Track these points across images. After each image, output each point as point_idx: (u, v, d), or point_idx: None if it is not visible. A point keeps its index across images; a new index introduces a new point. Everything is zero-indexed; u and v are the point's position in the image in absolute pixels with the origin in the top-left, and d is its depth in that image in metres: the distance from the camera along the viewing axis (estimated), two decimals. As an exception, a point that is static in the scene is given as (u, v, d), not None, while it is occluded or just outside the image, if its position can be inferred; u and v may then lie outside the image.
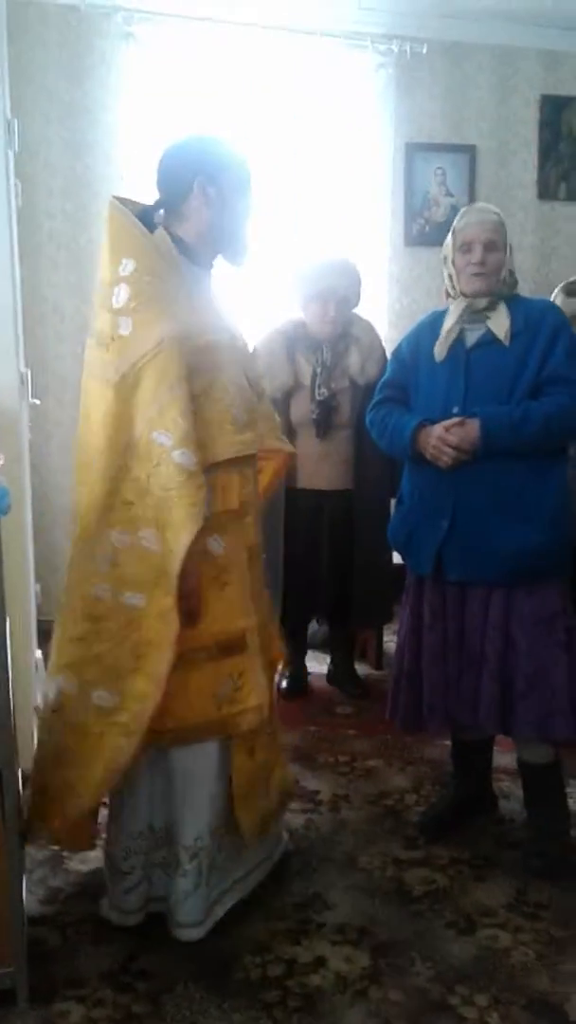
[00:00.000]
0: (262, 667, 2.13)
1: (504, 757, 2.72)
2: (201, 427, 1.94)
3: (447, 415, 2.30)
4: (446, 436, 2.27)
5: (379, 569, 3.46)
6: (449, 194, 4.64)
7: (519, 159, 4.79)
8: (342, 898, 2.27)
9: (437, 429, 2.29)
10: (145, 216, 2.03)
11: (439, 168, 4.63)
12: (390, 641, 4.09)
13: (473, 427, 2.25)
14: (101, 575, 1.96)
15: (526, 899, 2.27)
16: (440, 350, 2.35)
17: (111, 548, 1.95)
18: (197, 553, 1.93)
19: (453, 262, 2.36)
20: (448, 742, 2.70)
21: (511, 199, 4.71)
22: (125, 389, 1.90)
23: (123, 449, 1.92)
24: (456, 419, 2.27)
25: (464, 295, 2.34)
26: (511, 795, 2.73)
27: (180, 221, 2.04)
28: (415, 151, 4.60)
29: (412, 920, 2.19)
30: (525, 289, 2.53)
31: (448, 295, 2.42)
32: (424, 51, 4.40)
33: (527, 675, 2.31)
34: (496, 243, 2.32)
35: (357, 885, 2.33)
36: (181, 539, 1.88)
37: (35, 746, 2.13)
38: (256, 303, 4.10)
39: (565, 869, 2.38)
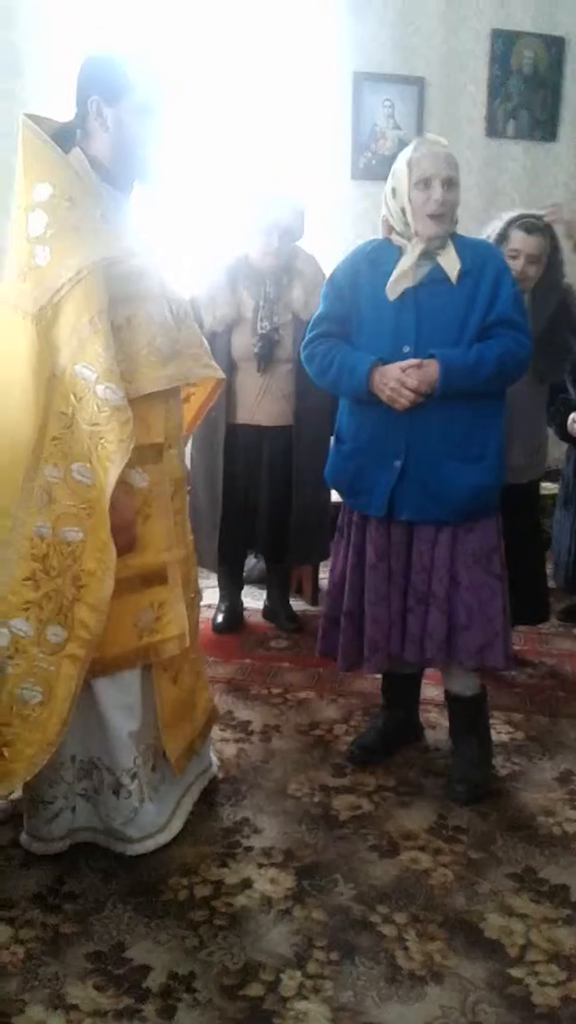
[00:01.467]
0: (184, 599, 2.14)
1: (432, 689, 2.79)
2: (123, 359, 1.91)
3: (397, 354, 2.29)
4: (405, 378, 2.25)
5: (317, 506, 3.48)
6: (397, 127, 4.57)
7: (468, 94, 4.71)
8: (270, 823, 2.33)
9: (394, 370, 2.26)
10: (62, 135, 1.94)
11: (387, 100, 4.54)
12: (326, 577, 4.12)
13: (433, 369, 2.24)
14: (40, 513, 1.93)
15: (446, 824, 2.35)
16: (393, 290, 2.30)
17: (46, 484, 1.92)
18: (121, 486, 1.93)
19: (409, 197, 2.27)
20: (379, 675, 2.76)
21: (459, 135, 4.65)
22: (44, 322, 1.85)
23: (47, 383, 1.88)
24: (414, 361, 2.25)
25: (418, 235, 2.28)
26: (437, 725, 2.81)
27: (90, 140, 1.97)
28: (364, 81, 4.50)
29: (337, 844, 2.26)
30: (471, 228, 2.50)
31: (392, 229, 2.36)
32: (376, -24, 4.28)
33: (468, 608, 2.37)
34: (454, 180, 2.28)
35: (285, 811, 2.39)
36: (110, 473, 1.87)
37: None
38: (198, 234, 4.02)
39: (486, 796, 2.47)
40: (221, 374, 2.34)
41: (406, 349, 2.29)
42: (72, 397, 1.87)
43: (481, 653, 2.40)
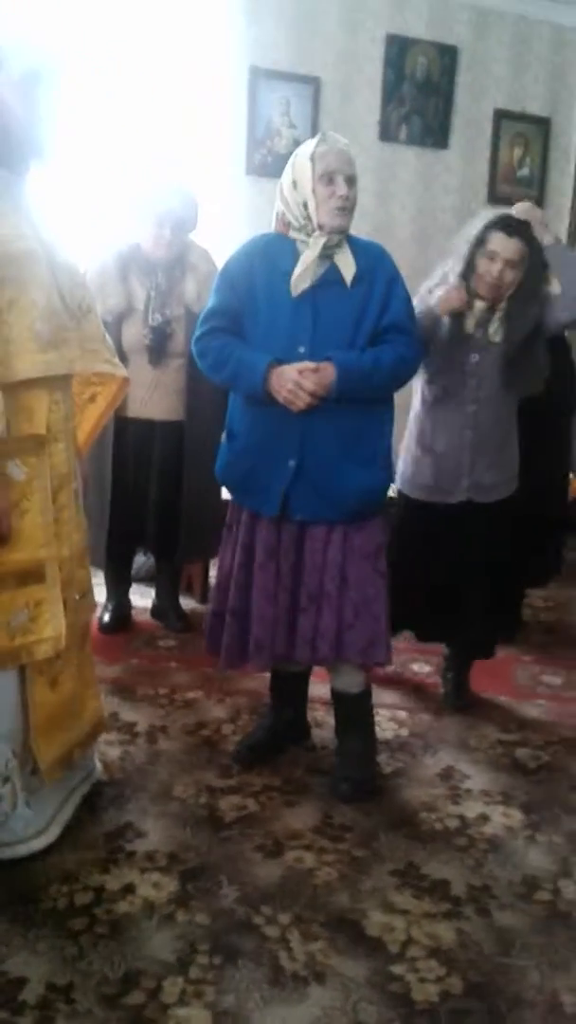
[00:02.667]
0: (64, 599, 2.07)
1: (319, 687, 2.80)
2: (1, 343, 1.84)
3: (292, 353, 2.28)
4: (302, 381, 2.24)
5: (208, 502, 3.44)
6: (292, 125, 4.57)
7: (362, 97, 4.76)
8: (154, 826, 2.29)
9: (291, 372, 2.25)
10: None
11: (283, 98, 4.54)
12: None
13: (329, 373, 2.24)
14: None
15: (332, 822, 2.36)
16: (297, 286, 2.28)
17: None
18: None
19: (313, 190, 2.25)
20: (267, 674, 2.75)
21: (352, 137, 4.63)
22: None
23: None
24: (311, 364, 2.25)
25: (321, 228, 2.26)
26: (324, 724, 2.82)
27: None
28: (260, 77, 4.49)
29: (222, 845, 2.24)
30: (363, 231, 2.51)
31: (288, 225, 2.32)
32: (273, -28, 4.28)
33: (355, 605, 2.39)
34: (355, 179, 2.29)
35: (170, 813, 2.35)
36: None
37: None
38: (92, 221, 3.92)
39: (370, 793, 2.49)
40: (123, 372, 2.30)
41: (301, 349, 2.28)
42: None
43: (367, 650, 2.42)
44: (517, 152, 5.14)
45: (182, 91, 4.28)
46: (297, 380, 2.24)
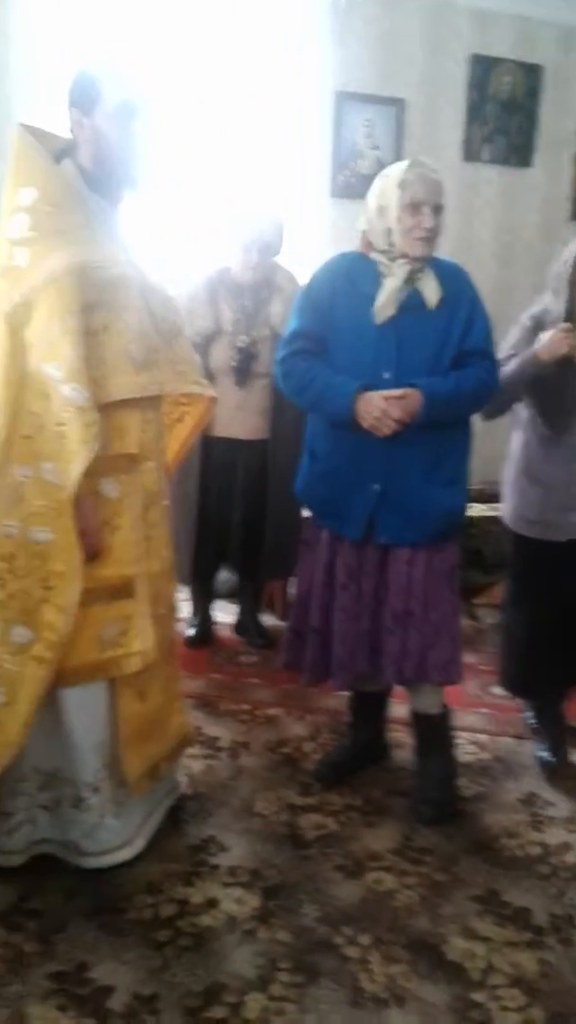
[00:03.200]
0: (152, 614, 2.12)
1: (399, 708, 2.80)
2: (96, 364, 1.91)
3: (377, 379, 2.29)
4: (389, 408, 2.26)
5: (291, 521, 3.47)
6: (376, 147, 4.60)
7: (446, 117, 4.76)
8: (236, 842, 2.33)
9: (378, 400, 2.26)
10: (62, 149, 1.99)
11: (367, 120, 4.58)
12: (296, 592, 4.14)
13: (415, 400, 2.26)
14: (8, 512, 1.93)
15: (412, 844, 2.37)
16: (381, 314, 2.30)
17: (15, 483, 1.93)
18: (90, 494, 1.93)
19: (398, 217, 2.26)
20: (346, 693, 2.76)
21: (436, 157, 4.61)
22: (16, 320, 1.87)
23: (18, 382, 1.89)
24: (397, 392, 2.26)
25: (406, 256, 2.29)
26: (404, 745, 2.81)
27: (78, 152, 2.00)
28: (345, 100, 4.54)
29: (303, 863, 2.26)
30: (444, 250, 2.51)
31: (370, 245, 2.34)
32: (359, -3, 4.32)
33: (436, 626, 2.40)
34: (441, 207, 2.30)
35: (251, 829, 2.39)
36: (71, 474, 1.87)
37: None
38: (181, 246, 4.02)
39: (450, 817, 2.48)
40: (211, 392, 2.34)
41: (386, 375, 2.30)
42: (42, 396, 1.88)
43: (447, 668, 2.44)
44: (603, 169, 5.07)
45: (268, 115, 4.35)
46: (384, 408, 2.26)
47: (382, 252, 2.33)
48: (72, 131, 2.00)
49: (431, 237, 2.28)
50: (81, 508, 1.92)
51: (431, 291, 2.31)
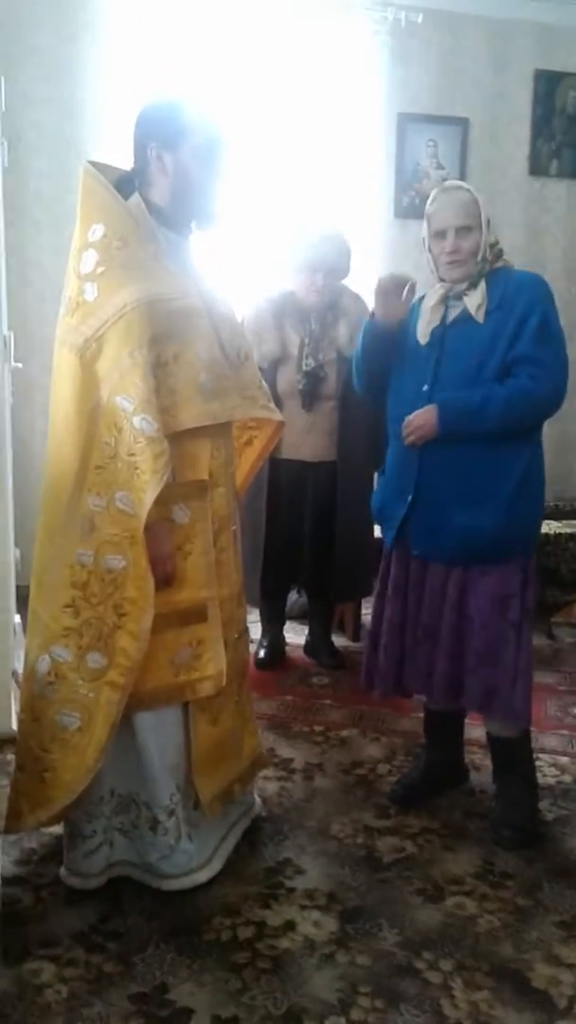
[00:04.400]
0: (224, 638, 2.13)
1: (477, 729, 2.76)
2: (167, 394, 1.94)
3: (418, 393, 2.34)
4: (410, 417, 2.33)
5: (360, 542, 3.48)
6: (440, 167, 4.61)
7: (511, 134, 4.74)
8: (313, 864, 2.31)
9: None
10: (124, 181, 2.02)
11: (431, 140, 4.59)
12: (368, 613, 4.11)
13: (431, 418, 2.29)
14: (82, 541, 1.97)
15: (492, 868, 2.31)
16: (423, 333, 2.37)
17: (88, 512, 1.97)
18: (161, 520, 1.96)
19: (429, 247, 2.37)
20: (421, 714, 2.73)
21: (502, 174, 4.68)
22: (89, 355, 1.91)
23: (91, 414, 1.94)
24: (406, 420, 2.34)
25: (442, 279, 2.36)
26: (482, 767, 2.76)
27: (150, 186, 2.04)
28: (407, 122, 4.56)
29: (381, 887, 2.23)
30: (515, 265, 2.49)
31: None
32: (419, 20, 4.34)
33: (478, 651, 2.36)
34: (470, 226, 2.30)
35: (328, 852, 2.37)
36: (144, 502, 1.90)
37: (17, 722, 2.15)
38: (247, 271, 4.07)
39: (532, 841, 2.42)
40: (279, 416, 2.38)
41: (425, 388, 2.35)
42: (114, 428, 1.92)
43: (487, 698, 2.38)
44: None
45: (332, 139, 4.39)
46: (408, 419, 2.34)
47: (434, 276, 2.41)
48: (142, 163, 2.03)
49: (460, 259, 2.31)
50: (153, 535, 1.95)
51: (475, 303, 2.32)
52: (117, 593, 1.96)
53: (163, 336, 1.94)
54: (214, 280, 2.19)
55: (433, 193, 2.39)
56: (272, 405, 2.35)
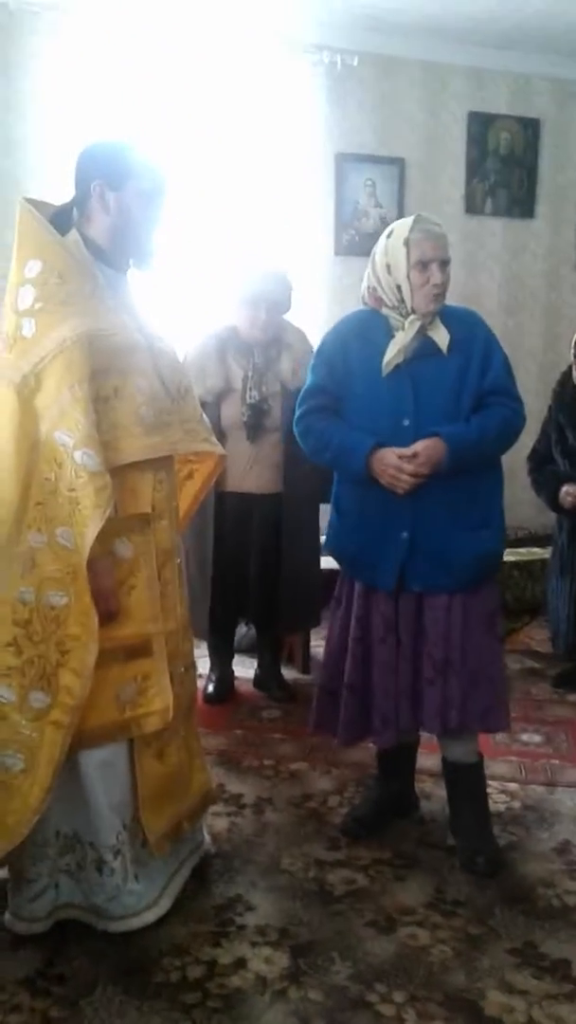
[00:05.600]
0: (170, 672, 2.11)
1: (426, 759, 2.76)
2: (108, 428, 1.94)
3: (397, 427, 2.31)
4: (404, 466, 2.27)
5: (307, 573, 3.49)
6: (379, 205, 4.71)
7: (447, 174, 4.88)
8: (263, 899, 2.28)
9: (391, 458, 2.28)
10: (60, 217, 2.03)
11: (369, 180, 4.70)
12: (317, 645, 4.10)
13: (439, 450, 2.26)
14: (23, 579, 1.94)
15: (444, 897, 2.30)
16: (389, 366, 2.32)
17: (29, 549, 1.94)
18: (105, 555, 1.94)
19: (407, 276, 2.29)
20: (371, 744, 2.72)
21: (439, 212, 4.74)
22: (27, 391, 1.90)
23: (30, 451, 1.92)
24: (408, 451, 2.27)
25: (415, 311, 2.31)
26: (432, 796, 2.77)
27: (88, 222, 2.05)
28: (346, 161, 4.66)
29: (333, 920, 2.21)
30: (451, 301, 2.54)
31: (380, 301, 2.36)
32: (355, 63, 4.46)
33: (473, 671, 2.38)
34: (447, 261, 2.33)
35: (279, 886, 2.34)
36: (86, 536, 1.88)
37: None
38: (189, 308, 4.10)
39: (501, 866, 2.42)
40: (220, 450, 2.37)
41: (405, 423, 2.31)
42: (54, 463, 1.90)
43: (486, 716, 2.41)
44: (605, 218, 5.16)
45: (272, 179, 4.47)
46: (397, 466, 2.27)
47: (392, 308, 2.35)
48: (82, 197, 2.04)
49: (442, 292, 2.31)
50: (96, 571, 1.93)
51: (441, 337, 2.32)
52: (60, 630, 1.94)
53: (103, 371, 1.94)
54: (153, 315, 2.19)
55: (409, 221, 2.32)
56: (213, 439, 2.35)
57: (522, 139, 4.92)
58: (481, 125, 4.84)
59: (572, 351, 3.47)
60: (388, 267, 2.32)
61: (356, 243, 4.65)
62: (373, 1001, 1.93)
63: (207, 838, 2.48)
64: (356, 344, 2.41)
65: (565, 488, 3.44)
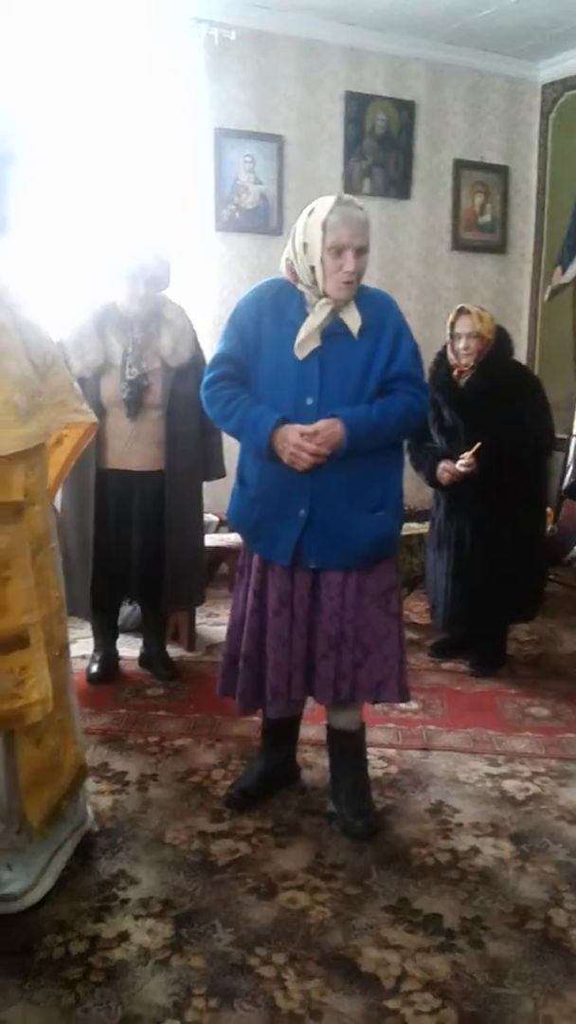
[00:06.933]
0: (48, 660, 2.08)
1: (308, 729, 2.82)
2: None
3: (300, 405, 2.32)
4: (304, 445, 2.28)
5: (191, 551, 3.49)
6: (259, 182, 4.71)
7: (325, 152, 4.92)
8: (147, 873, 2.30)
9: (293, 436, 2.29)
10: None
11: (248, 156, 4.69)
12: (203, 623, 4.14)
13: (338, 431, 2.28)
14: None
15: (324, 862, 2.38)
16: (302, 349, 2.31)
17: None
18: None
19: (321, 259, 2.26)
20: (257, 718, 2.77)
21: (318, 191, 4.77)
22: None
23: None
24: (309, 429, 2.28)
25: (328, 295, 2.30)
26: (313, 765, 2.84)
27: None
28: (224, 137, 4.64)
29: (215, 889, 2.25)
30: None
31: (295, 276, 2.34)
32: (232, 37, 4.44)
33: (365, 646, 2.43)
34: (365, 247, 2.30)
35: (162, 860, 2.36)
36: None
37: None
38: (67, 282, 4.02)
39: (378, 829, 2.51)
40: (93, 418, 2.32)
41: (309, 401, 2.32)
42: None
43: (378, 688, 2.47)
44: (478, 200, 5.31)
45: (151, 153, 4.41)
46: (298, 443, 2.29)
47: (307, 286, 2.34)
48: None
49: (354, 280, 2.29)
50: None
51: (352, 320, 2.33)
52: None
53: None
54: (16, 287, 2.11)
55: (332, 203, 2.26)
56: (85, 406, 2.29)
57: (398, 120, 5.00)
58: (358, 105, 4.90)
59: (447, 331, 3.57)
60: (305, 246, 2.29)
61: (236, 219, 4.63)
62: (254, 964, 1.99)
63: (90, 816, 2.48)
64: (270, 315, 2.38)
65: (442, 465, 3.55)
